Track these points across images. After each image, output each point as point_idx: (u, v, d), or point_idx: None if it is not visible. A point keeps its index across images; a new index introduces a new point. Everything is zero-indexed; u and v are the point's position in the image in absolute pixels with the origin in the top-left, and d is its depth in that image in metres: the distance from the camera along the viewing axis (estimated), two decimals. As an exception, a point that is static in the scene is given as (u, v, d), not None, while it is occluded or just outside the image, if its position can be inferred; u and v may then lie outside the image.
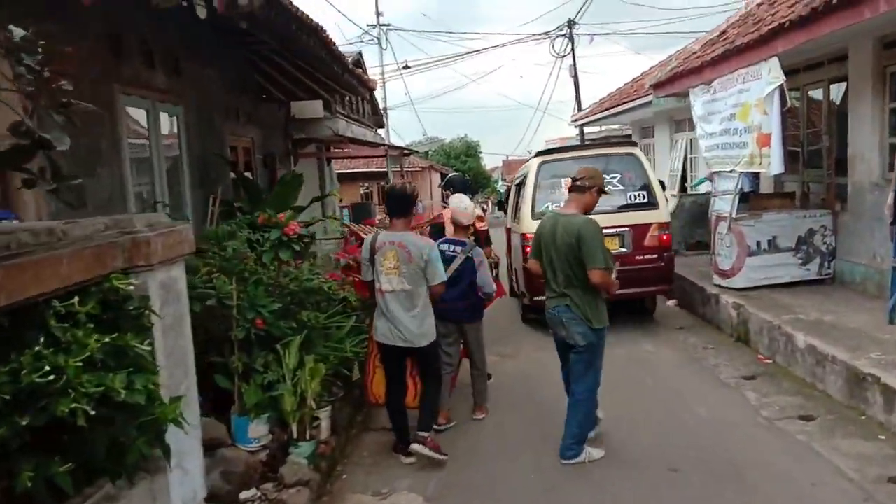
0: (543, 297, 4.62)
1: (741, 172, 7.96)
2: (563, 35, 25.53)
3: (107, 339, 1.82)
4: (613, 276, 4.37)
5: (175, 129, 6.54)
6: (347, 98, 17.97)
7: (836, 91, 8.35)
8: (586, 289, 4.24)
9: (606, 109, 16.86)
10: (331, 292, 4.92)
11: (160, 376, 2.21)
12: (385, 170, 17.97)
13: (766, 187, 9.89)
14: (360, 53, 20.89)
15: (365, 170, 26.90)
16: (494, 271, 6.70)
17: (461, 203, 5.46)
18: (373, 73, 26.66)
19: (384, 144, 15.67)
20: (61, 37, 4.52)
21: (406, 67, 28.51)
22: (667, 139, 15.17)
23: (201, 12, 1.87)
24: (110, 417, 1.81)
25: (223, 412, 4.24)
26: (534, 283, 6.81)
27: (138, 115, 5.80)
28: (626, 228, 7.72)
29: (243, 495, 3.69)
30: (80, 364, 1.66)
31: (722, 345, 7.19)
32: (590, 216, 4.34)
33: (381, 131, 24.22)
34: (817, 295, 7.38)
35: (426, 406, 4.70)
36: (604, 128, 21.99)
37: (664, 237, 7.87)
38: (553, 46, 26.00)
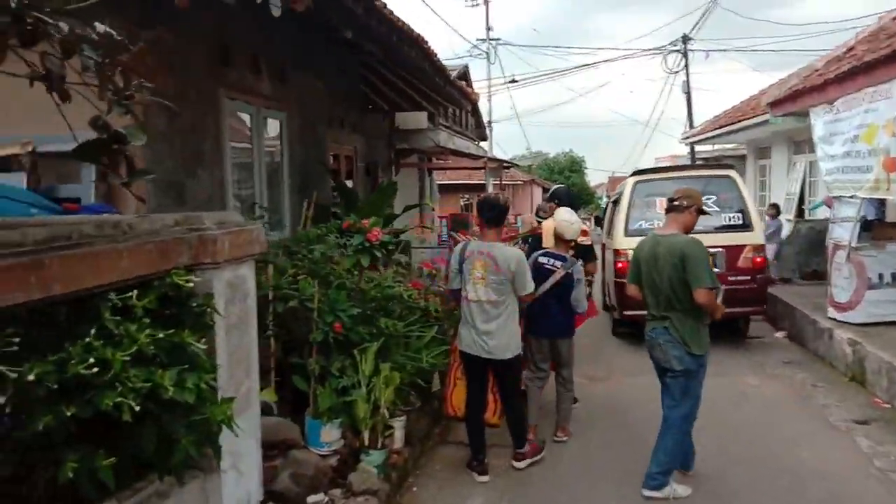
0: (634, 312, 4.50)
1: (864, 198, 7.34)
2: (676, 50, 24.72)
3: (161, 335, 1.81)
4: (719, 298, 4.17)
5: (278, 135, 6.75)
6: (451, 110, 18.14)
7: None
8: (688, 312, 4.08)
9: (720, 128, 16.12)
10: (410, 300, 4.88)
11: (219, 375, 2.21)
12: (485, 182, 17.96)
13: (892, 216, 9.12)
14: (466, 67, 21.02)
15: (466, 182, 27.02)
16: (588, 289, 6.50)
17: (568, 217, 5.29)
18: (480, 86, 26.83)
19: (483, 157, 15.64)
20: (173, 43, 4.75)
21: (513, 81, 28.41)
22: (784, 160, 14.29)
23: (275, 11, 1.85)
24: (158, 414, 1.81)
25: (301, 413, 4.27)
26: (625, 297, 6.68)
27: (242, 119, 6.02)
28: (721, 249, 7.75)
29: (311, 499, 3.68)
30: (128, 358, 1.65)
31: (833, 384, 6.62)
32: (693, 236, 4.21)
33: (483, 144, 24.27)
34: (947, 337, 6.66)
35: (514, 424, 4.66)
36: (717, 147, 21.07)
37: (758, 259, 8.04)
38: (666, 62, 25.25)
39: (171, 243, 2.00)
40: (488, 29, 27.29)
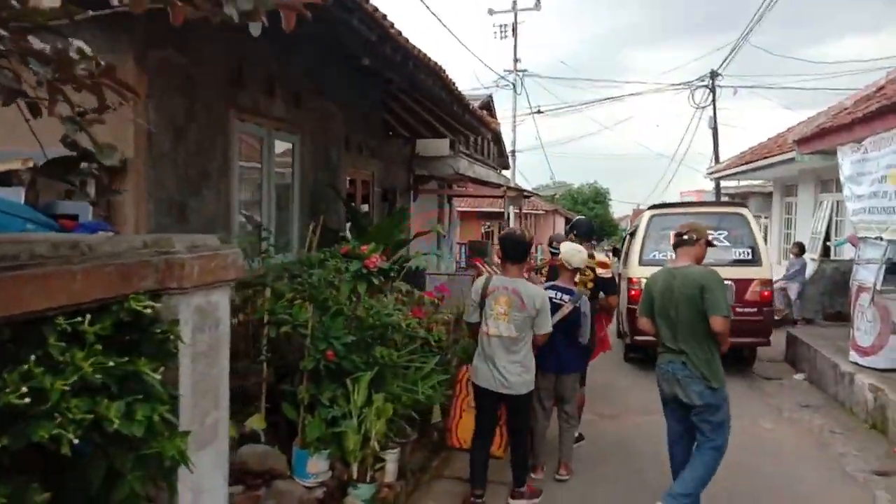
0: (646, 338, 4.54)
1: (889, 240, 7.11)
2: (704, 86, 24.54)
3: (112, 363, 1.73)
4: None
5: (290, 157, 6.75)
6: (473, 139, 18.16)
7: None
8: (704, 344, 4.13)
9: (745, 164, 15.87)
10: (409, 329, 4.77)
11: (182, 406, 2.12)
12: (503, 210, 17.87)
13: (920, 259, 8.79)
14: (490, 97, 21.06)
15: (488, 209, 26.97)
16: (607, 323, 6.37)
17: (573, 247, 5.18)
18: (505, 116, 26.88)
19: (502, 185, 15.58)
20: (183, 63, 4.77)
21: (538, 112, 28.44)
22: (811, 199, 14.02)
23: (255, 29, 1.77)
24: (105, 447, 1.72)
25: (291, 443, 4.16)
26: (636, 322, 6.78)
27: (254, 141, 6.01)
28: (730, 282, 7.77)
29: (293, 532, 3.56)
30: (67, 388, 1.57)
31: (853, 431, 6.34)
32: (711, 267, 4.34)
33: (507, 173, 24.22)
34: (975, 387, 6.36)
35: (518, 461, 4.57)
36: (742, 183, 20.79)
37: (765, 293, 8.43)
38: (693, 97, 25.04)
39: (134, 266, 1.93)
40: (516, 60, 27.33)
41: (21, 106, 1.80)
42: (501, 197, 15.77)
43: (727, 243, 8.51)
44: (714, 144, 24.40)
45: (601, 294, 5.60)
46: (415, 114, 10.35)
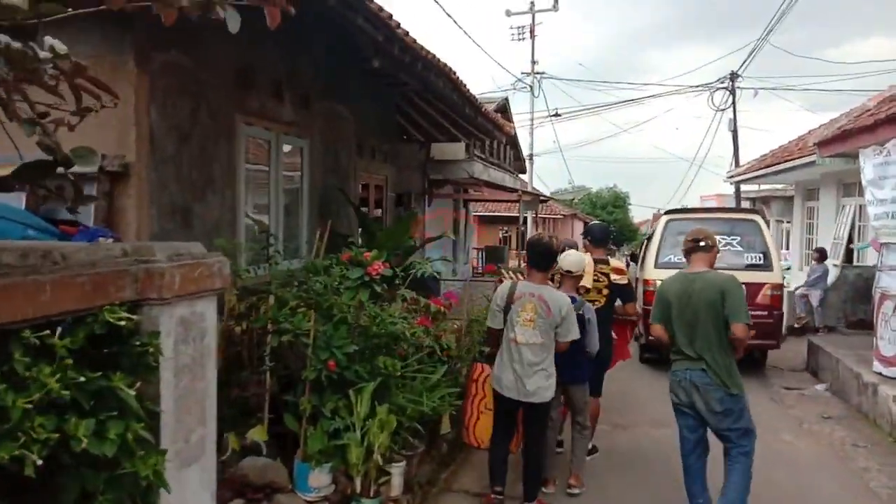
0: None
1: (913, 246, 6.90)
2: (724, 87, 24.21)
3: (82, 378, 1.64)
4: None
5: (299, 161, 6.67)
6: (489, 143, 18.02)
7: None
8: (722, 350, 4.10)
9: (766, 167, 15.58)
10: (414, 338, 4.66)
11: (164, 422, 2.02)
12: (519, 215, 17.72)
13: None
14: (505, 99, 20.83)
15: (506, 214, 26.83)
16: (630, 333, 6.23)
17: (573, 255, 5.04)
18: (522, 119, 26.74)
19: (517, 190, 15.42)
20: (188, 66, 4.71)
21: (556, 115, 28.22)
22: (833, 203, 13.71)
23: (232, 25, 1.68)
24: (76, 467, 1.63)
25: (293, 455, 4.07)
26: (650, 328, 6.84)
27: (261, 144, 5.94)
28: (742, 285, 7.91)
29: (293, 548, 3.46)
30: (29, 405, 1.48)
31: (876, 444, 6.13)
32: (731, 273, 4.40)
33: (524, 177, 24.04)
34: None
35: (531, 471, 4.48)
36: (763, 187, 20.42)
37: (775, 297, 8.71)
38: (712, 99, 24.70)
39: (110, 276, 1.84)
40: (533, 62, 27.19)
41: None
42: (517, 201, 15.63)
43: (740, 248, 8.87)
44: (734, 147, 24.08)
45: (617, 302, 5.46)
46: (429, 117, 10.27)
